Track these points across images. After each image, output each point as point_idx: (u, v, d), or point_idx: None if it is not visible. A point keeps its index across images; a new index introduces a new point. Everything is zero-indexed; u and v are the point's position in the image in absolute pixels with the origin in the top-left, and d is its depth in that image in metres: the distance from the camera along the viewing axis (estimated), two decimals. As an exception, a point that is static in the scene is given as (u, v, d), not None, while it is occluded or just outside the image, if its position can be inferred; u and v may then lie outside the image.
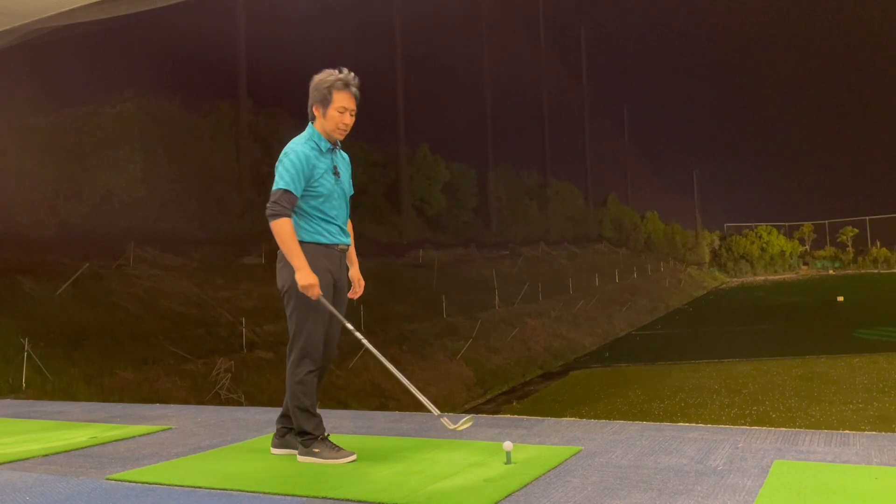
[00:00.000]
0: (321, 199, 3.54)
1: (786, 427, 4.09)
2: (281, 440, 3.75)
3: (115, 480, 3.39)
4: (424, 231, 36.64)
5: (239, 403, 14.78)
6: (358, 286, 3.79)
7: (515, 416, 4.89)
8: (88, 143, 21.45)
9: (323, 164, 3.55)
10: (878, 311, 36.51)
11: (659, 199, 77.50)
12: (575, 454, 3.46)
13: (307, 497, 2.95)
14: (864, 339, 27.32)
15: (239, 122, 27.19)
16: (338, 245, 3.62)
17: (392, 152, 35.54)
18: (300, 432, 3.56)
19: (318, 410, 3.60)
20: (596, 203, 60.42)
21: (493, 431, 4.11)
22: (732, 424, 4.95)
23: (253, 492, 3.08)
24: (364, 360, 17.93)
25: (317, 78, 3.57)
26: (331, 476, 3.25)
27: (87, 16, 6.77)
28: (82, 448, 4.19)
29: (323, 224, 3.56)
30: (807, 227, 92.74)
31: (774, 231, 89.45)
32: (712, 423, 7.32)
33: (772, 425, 5.40)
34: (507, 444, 3.34)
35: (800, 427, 11.13)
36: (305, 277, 3.40)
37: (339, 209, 3.63)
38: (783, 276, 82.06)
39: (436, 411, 3.55)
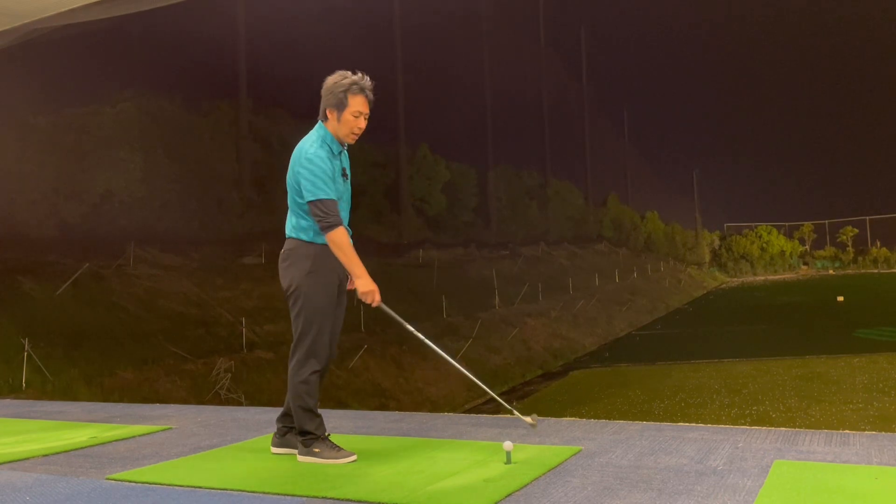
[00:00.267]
0: None
1: (786, 427, 4.09)
2: (282, 439, 3.75)
3: (115, 480, 3.39)
4: (424, 231, 36.64)
5: (239, 403, 14.79)
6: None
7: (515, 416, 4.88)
8: (88, 143, 21.45)
9: (336, 167, 3.55)
10: (878, 311, 36.49)
11: (659, 199, 77.57)
12: (575, 454, 3.46)
13: (307, 497, 2.95)
14: (864, 339, 27.31)
15: (239, 122, 27.19)
16: None
17: (392, 152, 35.53)
18: (301, 432, 3.56)
19: (319, 410, 3.61)
20: (596, 203, 60.41)
21: (493, 431, 4.11)
22: (732, 424, 4.95)
23: (253, 492, 3.08)
24: (364, 360, 17.95)
25: (331, 80, 3.54)
26: (331, 476, 3.25)
27: (87, 16, 6.78)
28: (82, 448, 4.19)
29: None
30: (807, 227, 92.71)
31: (774, 231, 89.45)
32: (712, 423, 7.32)
33: (772, 425, 5.40)
34: (508, 444, 3.35)
35: (800, 427, 11.11)
36: (366, 284, 3.44)
37: (345, 210, 3.64)
38: (783, 276, 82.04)
39: (516, 412, 3.60)
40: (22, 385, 12.71)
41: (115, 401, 10.91)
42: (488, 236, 41.67)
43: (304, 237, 3.54)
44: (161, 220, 22.80)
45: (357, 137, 3.60)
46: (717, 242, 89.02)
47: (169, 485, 3.26)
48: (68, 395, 12.52)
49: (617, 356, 28.22)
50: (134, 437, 4.49)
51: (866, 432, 3.75)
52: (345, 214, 3.64)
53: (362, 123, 3.56)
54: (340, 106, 3.50)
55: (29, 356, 13.01)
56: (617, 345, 32.25)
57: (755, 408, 17.19)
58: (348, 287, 3.77)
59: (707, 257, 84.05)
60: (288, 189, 3.58)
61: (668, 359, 25.76)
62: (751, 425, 4.82)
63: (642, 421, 4.93)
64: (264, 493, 3.05)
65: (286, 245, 3.60)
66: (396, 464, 3.43)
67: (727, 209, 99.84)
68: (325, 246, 3.53)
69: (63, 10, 6.61)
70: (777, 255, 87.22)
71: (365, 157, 31.39)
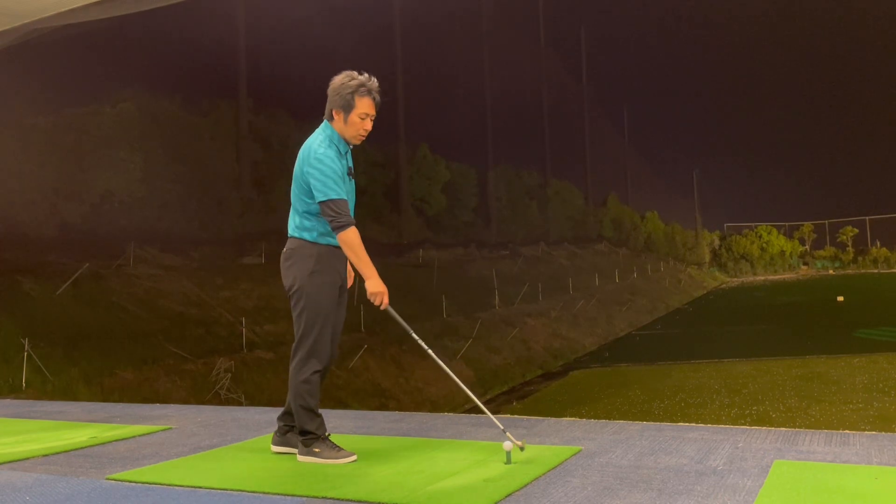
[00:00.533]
0: None
1: (786, 427, 4.09)
2: (282, 438, 3.76)
3: (115, 480, 3.39)
4: (424, 231, 36.63)
5: (239, 403, 14.79)
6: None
7: (515, 416, 4.89)
8: (88, 143, 21.44)
9: (343, 168, 3.56)
10: (878, 311, 36.50)
11: (659, 199, 77.56)
12: (575, 454, 3.46)
13: (307, 497, 2.95)
14: (864, 339, 27.31)
15: (239, 122, 27.18)
16: None
17: (392, 152, 35.52)
18: (302, 431, 3.56)
19: (320, 410, 3.61)
20: (596, 203, 60.40)
21: (493, 431, 4.11)
22: (732, 424, 4.95)
23: (253, 492, 3.08)
24: (364, 360, 17.94)
25: (338, 80, 3.53)
26: (331, 476, 3.25)
27: (87, 16, 6.78)
28: (82, 448, 4.19)
29: None
30: (807, 227, 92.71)
31: (774, 231, 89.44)
32: (712, 423, 7.32)
33: (772, 425, 5.40)
34: (507, 444, 3.34)
35: (800, 427, 11.13)
36: (376, 286, 3.44)
37: (350, 211, 3.65)
38: (783, 276, 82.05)
39: (500, 426, 3.54)
40: (22, 385, 12.70)
41: (115, 401, 10.91)
42: (488, 236, 41.67)
43: (307, 237, 3.54)
44: (161, 220, 22.80)
45: (363, 139, 3.60)
46: (717, 242, 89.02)
47: (169, 485, 3.26)
48: (68, 395, 12.51)
49: (617, 356, 28.22)
50: (134, 437, 4.49)
51: (866, 432, 3.75)
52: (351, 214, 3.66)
53: (368, 125, 3.56)
54: (347, 107, 3.50)
55: (29, 356, 13.01)
56: (617, 345, 32.25)
57: (755, 408, 17.19)
58: (355, 287, 3.78)
59: (707, 257, 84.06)
60: (293, 188, 3.57)
61: (668, 359, 25.76)
62: (751, 425, 4.83)
63: (642, 421, 4.94)
64: (264, 493, 3.05)
65: (288, 244, 3.60)
66: (396, 464, 3.43)
67: (727, 209, 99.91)
68: (328, 246, 3.53)
69: (63, 10, 6.61)
70: (777, 255, 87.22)
71: (365, 157, 31.40)
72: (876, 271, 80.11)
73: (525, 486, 2.97)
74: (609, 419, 4.48)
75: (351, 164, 3.67)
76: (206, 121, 25.84)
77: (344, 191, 3.45)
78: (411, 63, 37.57)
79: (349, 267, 3.79)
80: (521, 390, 22.71)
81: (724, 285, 73.25)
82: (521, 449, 3.40)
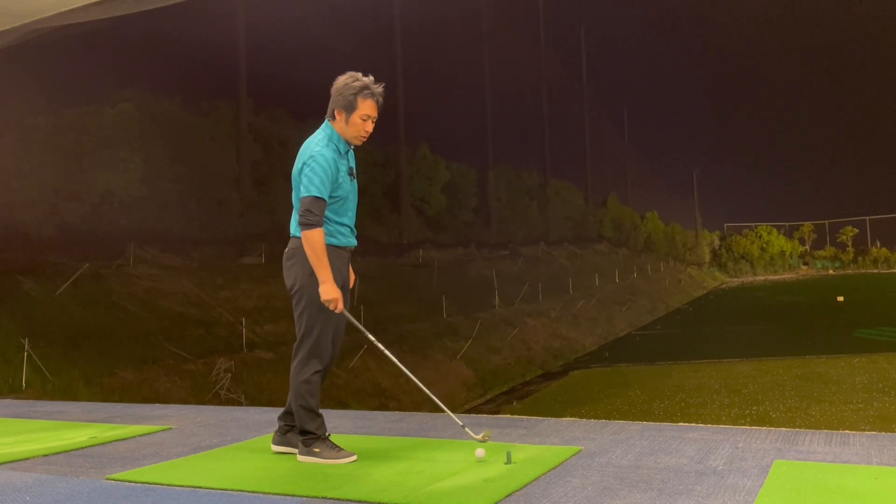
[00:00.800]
0: (340, 202, 3.55)
1: (786, 427, 4.09)
2: (282, 437, 3.76)
3: (115, 480, 3.39)
4: (424, 231, 36.64)
5: (239, 403, 14.78)
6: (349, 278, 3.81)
7: (515, 416, 4.89)
8: (88, 143, 21.44)
9: (343, 167, 3.56)
10: (878, 311, 36.49)
11: (659, 199, 77.53)
12: (575, 454, 3.46)
13: (307, 497, 2.95)
14: (864, 339, 27.31)
15: (239, 122, 27.19)
16: (348, 247, 3.64)
17: (392, 152, 35.54)
18: (302, 431, 3.56)
19: (320, 410, 3.61)
20: (596, 203, 60.40)
21: (493, 431, 4.11)
22: (732, 424, 4.95)
23: (253, 492, 3.08)
24: (364, 360, 17.93)
25: (341, 81, 3.55)
26: (331, 476, 3.25)
27: (87, 16, 6.78)
28: (82, 448, 4.19)
29: (338, 226, 3.58)
30: (807, 227, 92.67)
31: (774, 231, 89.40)
32: (712, 423, 7.32)
33: (772, 425, 5.40)
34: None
35: (800, 427, 11.13)
36: (330, 292, 3.42)
37: (353, 210, 3.66)
38: (783, 276, 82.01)
39: (459, 422, 3.56)
40: (22, 385, 12.70)
41: (115, 401, 10.91)
42: (488, 236, 41.67)
43: None
44: (161, 220, 22.80)
45: (364, 140, 3.61)
46: (717, 242, 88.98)
47: (169, 485, 3.26)
48: (68, 395, 12.51)
49: (617, 356, 28.21)
50: (134, 437, 4.50)
51: (866, 432, 3.75)
52: (352, 213, 3.66)
53: (370, 127, 3.57)
54: (349, 108, 3.51)
55: (29, 356, 13.01)
56: (617, 345, 32.24)
57: (755, 408, 17.19)
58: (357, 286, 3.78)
59: (707, 257, 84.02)
60: (293, 188, 3.58)
61: (668, 359, 25.75)
62: (751, 425, 4.83)
63: (642, 421, 4.94)
64: (264, 493, 3.05)
65: (291, 244, 3.60)
66: (396, 464, 3.43)
67: (727, 209, 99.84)
68: (332, 247, 3.53)
69: (63, 10, 6.61)
70: (777, 255, 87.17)
71: (365, 157, 31.40)
72: (876, 271, 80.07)
73: (525, 486, 2.97)
74: (609, 419, 4.48)
75: (353, 164, 3.67)
76: (206, 121, 25.85)
77: (328, 192, 3.44)
78: (411, 63, 37.59)
79: (350, 267, 3.80)
80: (521, 390, 22.70)
81: (724, 285, 73.22)
82: (483, 441, 3.41)
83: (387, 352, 3.74)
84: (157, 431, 4.66)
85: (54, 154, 20.41)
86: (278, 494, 3.01)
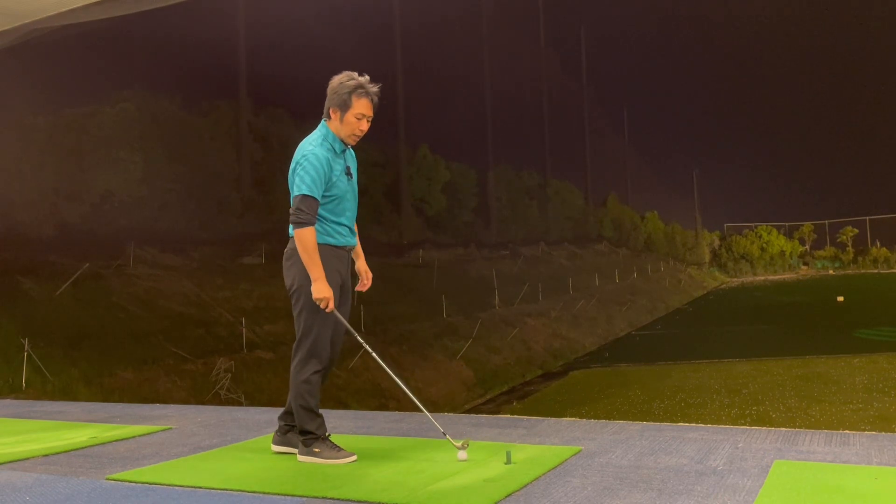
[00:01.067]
0: (336, 201, 3.55)
1: (786, 427, 4.09)
2: (282, 437, 3.76)
3: (115, 480, 3.39)
4: (424, 231, 36.64)
5: (239, 403, 14.79)
6: (366, 278, 3.80)
7: (515, 416, 4.89)
8: (88, 143, 21.44)
9: (338, 166, 3.55)
10: (878, 311, 36.50)
11: (659, 199, 77.56)
12: (575, 454, 3.46)
13: (307, 497, 2.95)
14: (864, 339, 27.32)
15: (239, 122, 27.19)
16: (346, 246, 3.63)
17: (392, 152, 35.54)
18: (302, 431, 3.56)
19: (320, 410, 3.61)
20: (596, 203, 60.41)
21: (493, 431, 4.11)
22: (732, 424, 4.96)
23: (253, 492, 3.08)
24: (364, 360, 17.93)
25: (337, 80, 3.55)
26: (331, 476, 3.25)
27: (87, 16, 6.78)
28: (82, 448, 4.19)
29: (335, 226, 3.57)
30: (807, 227, 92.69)
31: (774, 231, 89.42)
32: (712, 423, 7.32)
33: (772, 425, 5.40)
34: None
35: (800, 427, 11.13)
36: (322, 290, 3.41)
37: (351, 210, 3.65)
38: (783, 276, 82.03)
39: (440, 429, 3.54)
40: (22, 385, 12.71)
41: (115, 401, 10.91)
42: (488, 236, 41.67)
43: None
44: (161, 220, 22.79)
45: (358, 139, 3.61)
46: (717, 242, 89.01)
47: (169, 485, 3.26)
48: (68, 395, 12.52)
49: (617, 356, 28.22)
50: (134, 437, 4.49)
51: (866, 432, 3.76)
52: (351, 214, 3.65)
53: (364, 126, 3.57)
54: (344, 107, 3.51)
55: (29, 356, 13.02)
56: (617, 345, 32.25)
57: (755, 408, 17.19)
58: (358, 288, 3.78)
59: (707, 257, 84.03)
60: (290, 187, 3.58)
61: (668, 359, 25.76)
62: (751, 425, 4.83)
63: (642, 421, 4.94)
64: (264, 493, 3.05)
65: (290, 244, 3.60)
66: (396, 464, 3.43)
67: (727, 209, 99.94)
68: (329, 246, 3.53)
69: (63, 10, 6.62)
70: (777, 256, 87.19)
71: (365, 157, 31.40)
72: (876, 271, 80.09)
73: (525, 486, 2.97)
74: (609, 419, 4.48)
75: (351, 164, 3.66)
76: (206, 121, 25.84)
77: (320, 191, 3.44)
78: (411, 63, 37.60)
79: (363, 261, 3.81)
80: (521, 390, 22.70)
81: (724, 285, 73.23)
82: (463, 448, 3.40)
83: (374, 353, 3.73)
84: (157, 431, 4.66)
85: (54, 154, 20.42)
86: (278, 494, 3.01)
